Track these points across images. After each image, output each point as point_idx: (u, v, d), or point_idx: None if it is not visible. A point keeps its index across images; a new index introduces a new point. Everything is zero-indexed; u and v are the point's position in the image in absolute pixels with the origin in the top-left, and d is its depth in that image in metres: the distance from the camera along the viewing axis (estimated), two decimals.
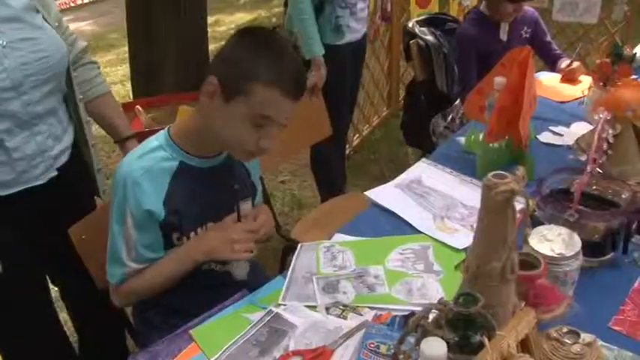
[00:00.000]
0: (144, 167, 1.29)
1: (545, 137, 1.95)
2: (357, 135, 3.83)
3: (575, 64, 2.41)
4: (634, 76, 1.82)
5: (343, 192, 2.81)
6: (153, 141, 1.35)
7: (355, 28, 2.43)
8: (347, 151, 3.66)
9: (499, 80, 1.67)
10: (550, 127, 2.01)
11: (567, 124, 2.01)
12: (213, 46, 6.92)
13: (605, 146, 1.38)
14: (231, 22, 8.20)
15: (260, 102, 1.21)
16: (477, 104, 1.76)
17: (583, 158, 1.69)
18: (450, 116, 2.71)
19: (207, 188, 1.36)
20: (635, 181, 1.64)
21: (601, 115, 1.28)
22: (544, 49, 2.71)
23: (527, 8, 2.72)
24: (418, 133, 2.99)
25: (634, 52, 1.71)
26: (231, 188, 1.42)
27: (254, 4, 8.86)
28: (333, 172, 2.63)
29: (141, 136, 1.60)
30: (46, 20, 1.40)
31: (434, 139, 2.75)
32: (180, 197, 1.31)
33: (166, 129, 1.37)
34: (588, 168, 1.23)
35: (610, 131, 1.32)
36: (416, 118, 3.01)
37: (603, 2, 3.81)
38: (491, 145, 1.73)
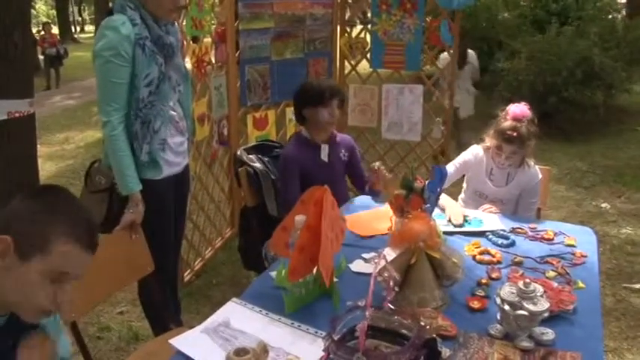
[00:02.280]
0: None
1: (356, 266, 2.00)
2: (200, 259, 3.75)
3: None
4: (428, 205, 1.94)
5: (177, 325, 2.68)
6: None
7: (174, 162, 2.42)
8: (188, 277, 3.56)
9: (299, 218, 1.71)
10: (362, 255, 2.08)
11: (378, 251, 2.08)
12: (60, 165, 6.69)
13: (392, 283, 1.43)
14: (81, 139, 7.99)
15: (59, 259, 1.19)
16: (282, 241, 1.79)
17: (384, 286, 1.74)
18: None
19: None
20: (432, 308, 1.72)
21: (376, 260, 1.33)
22: (356, 175, 2.94)
23: (345, 136, 2.97)
24: (253, 257, 2.98)
25: (423, 184, 1.83)
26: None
27: None
28: (161, 306, 2.52)
29: None
30: None
31: (266, 264, 2.75)
32: None
33: None
34: (367, 313, 1.25)
35: (387, 273, 1.37)
36: (250, 243, 3.01)
37: (424, 122, 4.21)
38: (300, 280, 1.74)
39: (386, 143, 4.52)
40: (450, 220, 2.39)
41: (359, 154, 3.00)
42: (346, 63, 4.34)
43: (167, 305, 2.62)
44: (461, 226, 2.37)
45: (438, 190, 1.83)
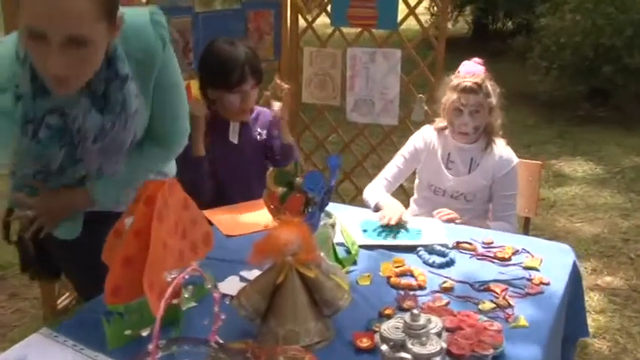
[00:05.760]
0: None
1: (229, 285, 2.03)
2: None
3: None
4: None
5: None
6: None
7: None
8: (65, 302, 3.56)
9: (128, 221, 1.74)
10: (241, 273, 2.11)
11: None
12: None
13: (216, 308, 1.46)
14: None
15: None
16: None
17: (243, 313, 1.77)
18: None
19: None
20: (304, 345, 1.74)
21: (174, 275, 1.35)
22: (272, 152, 2.99)
23: (263, 108, 3.03)
24: None
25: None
26: None
27: None
28: None
29: None
30: None
31: None
32: None
33: None
34: (149, 347, 1.28)
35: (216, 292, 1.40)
36: None
37: (402, 102, 4.22)
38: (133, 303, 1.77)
39: (353, 127, 4.53)
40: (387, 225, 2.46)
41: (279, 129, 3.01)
42: (300, 18, 4.34)
43: None
44: (396, 228, 2.43)
45: (325, 187, 1.85)
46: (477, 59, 2.81)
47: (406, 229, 2.47)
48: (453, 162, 2.84)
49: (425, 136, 2.92)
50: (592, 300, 3.81)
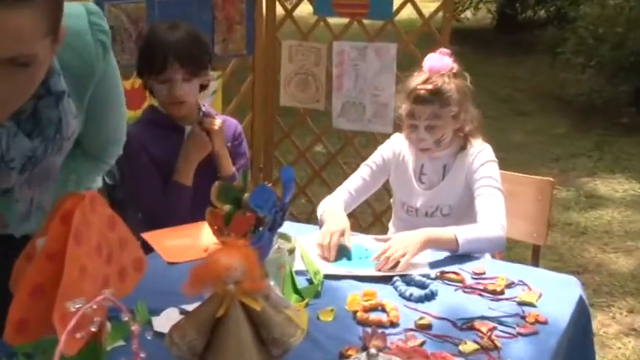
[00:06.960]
0: None
1: (163, 321, 2.05)
2: None
3: None
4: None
5: None
6: None
7: None
8: None
9: (40, 242, 1.77)
10: (182, 306, 2.13)
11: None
12: None
13: (135, 346, 1.49)
14: None
15: None
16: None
17: (176, 353, 1.79)
18: None
19: None
20: None
21: (76, 306, 1.38)
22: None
23: (229, 119, 3.13)
24: None
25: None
26: None
27: None
28: None
29: None
30: None
31: None
32: None
33: None
34: None
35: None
36: None
37: (399, 103, 4.24)
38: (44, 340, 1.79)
39: (340, 135, 4.55)
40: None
41: (245, 146, 3.13)
42: (278, 6, 4.37)
43: None
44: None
45: (277, 205, 1.88)
46: (443, 49, 2.85)
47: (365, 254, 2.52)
48: (425, 174, 2.90)
49: (394, 146, 2.98)
50: (626, 347, 3.84)
